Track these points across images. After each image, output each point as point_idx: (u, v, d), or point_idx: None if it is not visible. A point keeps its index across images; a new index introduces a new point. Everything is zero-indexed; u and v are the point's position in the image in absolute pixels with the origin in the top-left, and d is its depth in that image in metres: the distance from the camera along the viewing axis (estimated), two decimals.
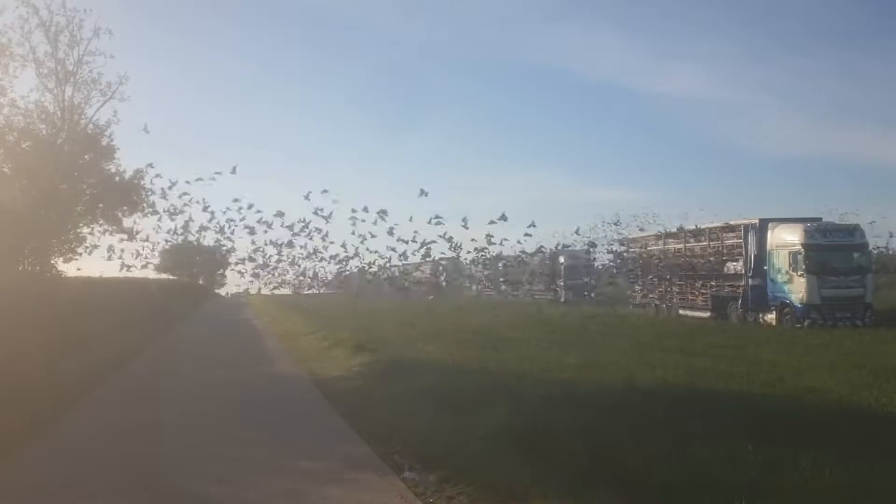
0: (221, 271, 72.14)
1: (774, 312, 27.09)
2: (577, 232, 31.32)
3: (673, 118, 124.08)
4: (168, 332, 28.04)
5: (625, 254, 37.68)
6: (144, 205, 24.86)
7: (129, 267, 20.90)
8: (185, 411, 11.67)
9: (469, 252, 21.80)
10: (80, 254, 25.14)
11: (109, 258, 20.91)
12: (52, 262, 24.57)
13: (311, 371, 16.18)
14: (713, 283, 30.51)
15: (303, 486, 7.50)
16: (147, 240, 21.39)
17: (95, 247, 24.52)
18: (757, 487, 6.46)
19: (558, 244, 33.71)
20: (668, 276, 33.95)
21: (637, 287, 37.20)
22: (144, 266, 23.50)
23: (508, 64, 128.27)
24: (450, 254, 22.01)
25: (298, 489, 7.43)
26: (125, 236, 22.17)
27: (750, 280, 28.07)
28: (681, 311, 32.62)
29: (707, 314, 30.49)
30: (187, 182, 20.28)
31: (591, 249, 36.34)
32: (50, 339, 16.15)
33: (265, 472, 7.97)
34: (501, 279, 56.41)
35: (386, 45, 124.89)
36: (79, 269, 24.82)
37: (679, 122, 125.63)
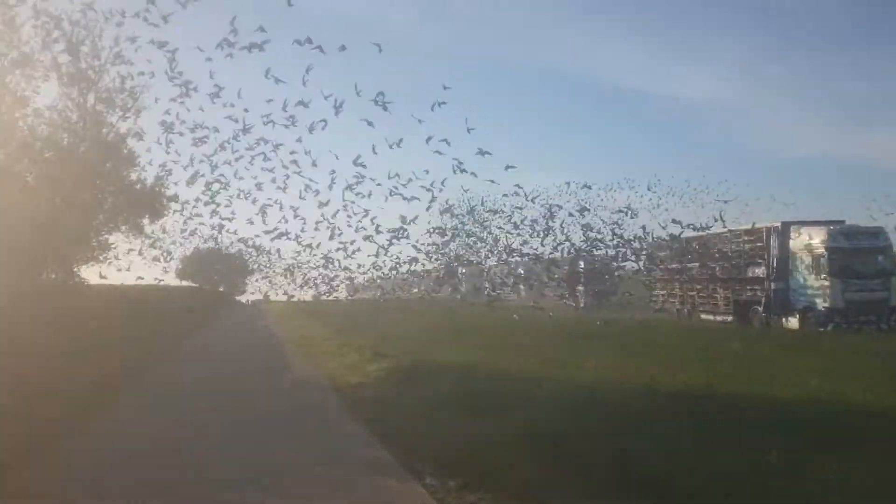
0: (242, 278, 72.64)
1: (797, 316, 26.80)
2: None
3: (686, 121, 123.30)
4: (189, 338, 28.20)
5: (646, 257, 37.24)
6: (166, 211, 25.19)
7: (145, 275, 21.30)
8: (205, 417, 11.72)
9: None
10: (103, 261, 25.48)
11: (136, 264, 21.29)
12: (74, 269, 24.86)
13: (330, 377, 16.19)
14: (735, 288, 30.22)
15: (323, 492, 7.49)
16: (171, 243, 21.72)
17: (117, 258, 24.98)
18: (782, 494, 6.36)
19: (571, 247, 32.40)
20: (690, 281, 33.67)
21: (658, 292, 36.90)
22: (160, 279, 23.93)
23: (519, 68, 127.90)
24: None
25: (318, 495, 7.42)
26: (144, 242, 22.62)
27: (772, 284, 27.79)
28: (702, 316, 32.35)
29: (729, 318, 30.22)
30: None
31: (612, 253, 35.45)
32: (70, 346, 16.27)
33: (284, 478, 7.95)
34: (521, 285, 56.21)
35: (394, 49, 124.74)
36: (102, 277, 25.15)
37: (693, 125, 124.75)
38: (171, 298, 37.89)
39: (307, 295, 28.29)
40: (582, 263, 47.48)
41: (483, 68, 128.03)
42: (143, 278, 25.83)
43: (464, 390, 11.92)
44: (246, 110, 16.90)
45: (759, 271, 28.64)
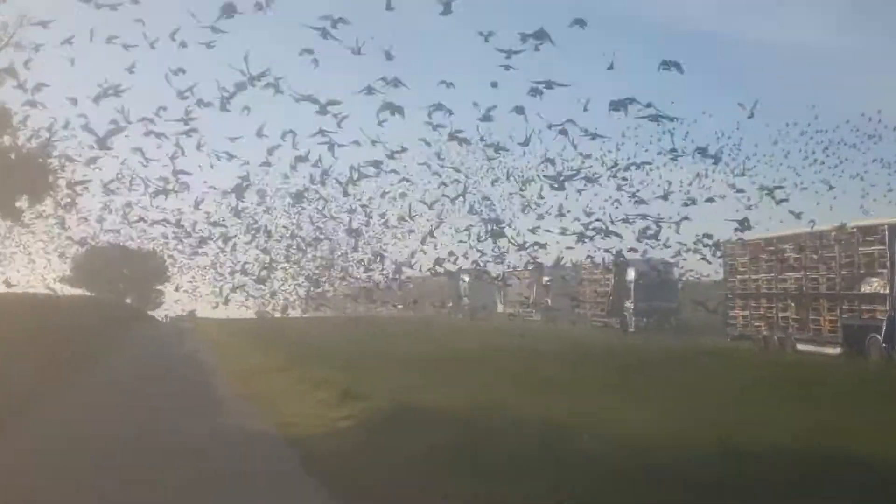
0: (158, 287, 72.48)
1: None
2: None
3: (777, 71, 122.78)
4: (83, 372, 28.17)
5: (723, 266, 37.02)
6: (51, 191, 25.11)
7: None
8: (116, 484, 11.76)
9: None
10: None
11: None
12: None
13: (283, 428, 16.11)
14: (845, 307, 30.11)
15: None
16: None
17: None
18: None
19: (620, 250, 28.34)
20: (782, 297, 33.67)
21: (737, 312, 36.90)
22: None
23: (582, 12, 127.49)
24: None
25: None
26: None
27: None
28: (799, 346, 32.27)
29: (836, 350, 30.07)
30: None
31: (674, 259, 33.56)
32: None
33: None
34: (546, 299, 56.15)
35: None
36: None
37: (784, 76, 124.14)
38: (55, 313, 37.85)
39: (249, 312, 28.44)
40: (632, 272, 47.38)
41: (539, 14, 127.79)
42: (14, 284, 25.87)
43: (465, 443, 11.94)
44: None
45: (880, 285, 28.48)
